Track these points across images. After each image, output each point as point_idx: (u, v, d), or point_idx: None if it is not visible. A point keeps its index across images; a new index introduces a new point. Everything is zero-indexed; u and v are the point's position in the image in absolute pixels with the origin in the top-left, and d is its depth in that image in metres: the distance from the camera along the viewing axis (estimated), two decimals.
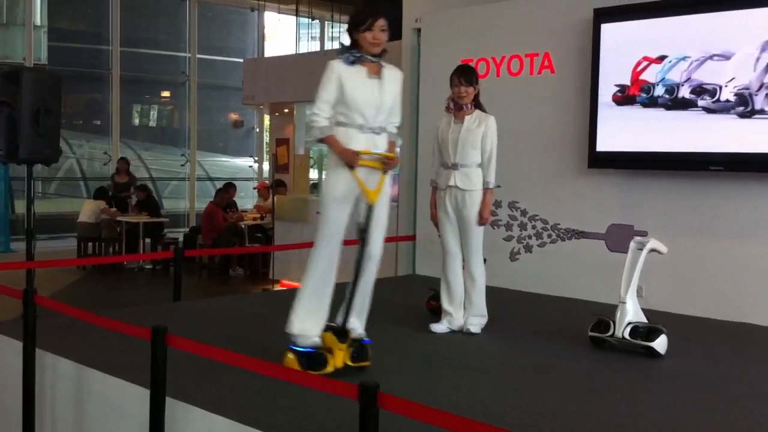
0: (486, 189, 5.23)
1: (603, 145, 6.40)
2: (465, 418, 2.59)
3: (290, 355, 4.04)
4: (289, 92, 11.72)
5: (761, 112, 5.61)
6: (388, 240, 8.14)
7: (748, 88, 5.66)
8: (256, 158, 17.83)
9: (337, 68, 4.10)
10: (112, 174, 13.80)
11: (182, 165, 16.56)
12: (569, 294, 6.58)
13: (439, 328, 5.30)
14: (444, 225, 5.35)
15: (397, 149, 4.40)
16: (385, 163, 4.18)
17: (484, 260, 5.36)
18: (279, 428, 3.24)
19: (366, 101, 4.11)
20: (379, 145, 4.17)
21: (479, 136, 5.21)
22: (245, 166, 18.14)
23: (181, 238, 13.34)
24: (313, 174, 14.43)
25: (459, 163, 5.23)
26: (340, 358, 4.05)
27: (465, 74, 5.26)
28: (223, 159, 18.78)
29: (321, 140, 4.16)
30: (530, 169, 6.95)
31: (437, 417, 2.62)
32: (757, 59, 5.62)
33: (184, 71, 16.72)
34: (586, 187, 6.64)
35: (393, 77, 4.25)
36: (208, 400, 3.58)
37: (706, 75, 5.84)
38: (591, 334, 4.89)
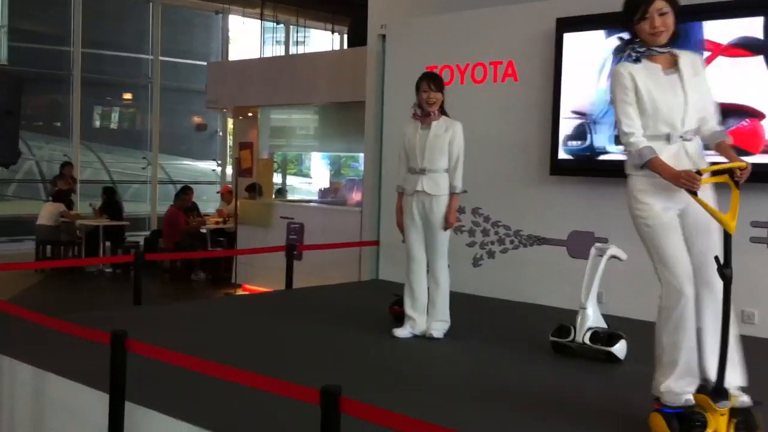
0: (452, 194, 5.27)
1: (565, 152, 6.47)
2: (425, 422, 2.60)
3: (658, 418, 3.32)
4: (253, 96, 11.66)
5: None
6: (351, 245, 8.25)
7: None
8: (219, 162, 17.72)
9: (626, 71, 3.39)
10: (55, 177, 13.51)
11: (144, 168, 16.39)
12: (531, 300, 6.64)
13: (402, 333, 5.32)
14: (410, 230, 5.37)
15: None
16: (738, 175, 3.23)
17: (448, 266, 5.40)
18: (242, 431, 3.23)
19: (670, 104, 3.37)
20: (691, 153, 3.40)
21: (446, 141, 5.25)
22: (208, 170, 18.01)
23: (142, 242, 13.21)
24: (277, 179, 14.37)
25: (427, 168, 5.26)
26: (722, 426, 3.25)
27: (434, 80, 5.29)
28: (186, 162, 18.63)
29: (643, 165, 3.33)
30: (493, 176, 7.00)
31: (398, 422, 2.63)
32: None
33: (147, 74, 16.56)
34: (548, 194, 6.71)
35: (692, 63, 3.44)
36: (168, 405, 3.56)
37: None
38: (552, 339, 4.94)
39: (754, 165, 3.39)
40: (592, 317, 4.81)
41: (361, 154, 9.18)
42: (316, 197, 13.03)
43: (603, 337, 4.74)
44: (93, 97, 16.74)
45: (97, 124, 17.67)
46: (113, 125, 18.20)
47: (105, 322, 4.79)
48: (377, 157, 8.08)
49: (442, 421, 2.63)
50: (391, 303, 5.86)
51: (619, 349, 4.72)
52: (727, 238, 3.22)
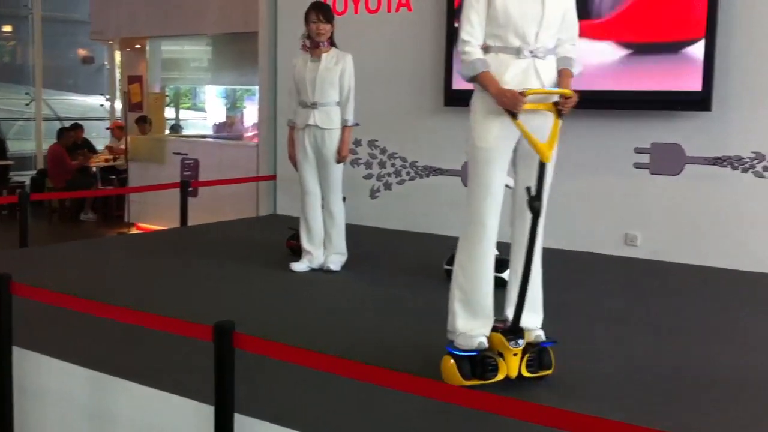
0: (345, 127, 5.24)
1: (459, 83, 6.50)
2: (320, 353, 2.63)
3: (449, 361, 3.18)
4: (140, 27, 11.19)
5: None
6: (247, 180, 8.14)
7: None
8: (108, 97, 17.04)
9: None
10: None
11: (27, 104, 15.61)
12: (428, 229, 6.73)
13: (300, 266, 5.33)
14: (303, 164, 5.33)
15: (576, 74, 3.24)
16: (561, 104, 3.09)
17: (344, 199, 5.40)
18: (135, 372, 3.18)
19: (525, 14, 3.10)
20: (542, 73, 3.16)
21: (337, 74, 5.19)
22: (96, 105, 17.30)
23: (28, 182, 12.68)
24: (170, 113, 13.95)
25: (318, 101, 5.20)
26: (514, 366, 3.14)
27: (323, 11, 5.19)
28: (73, 98, 17.85)
29: (472, 79, 3.14)
30: (389, 108, 6.99)
31: (292, 354, 2.65)
32: None
33: (27, 4, 15.65)
34: (442, 125, 6.75)
35: None
36: (59, 348, 3.47)
37: None
38: (446, 267, 5.04)
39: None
40: None
41: (257, 87, 9.00)
42: (211, 132, 12.76)
43: (495, 264, 4.85)
44: None
45: None
46: None
47: None
48: (272, 89, 7.94)
49: (336, 351, 2.66)
50: (288, 237, 5.84)
51: (509, 274, 4.85)
52: (541, 167, 3.03)
